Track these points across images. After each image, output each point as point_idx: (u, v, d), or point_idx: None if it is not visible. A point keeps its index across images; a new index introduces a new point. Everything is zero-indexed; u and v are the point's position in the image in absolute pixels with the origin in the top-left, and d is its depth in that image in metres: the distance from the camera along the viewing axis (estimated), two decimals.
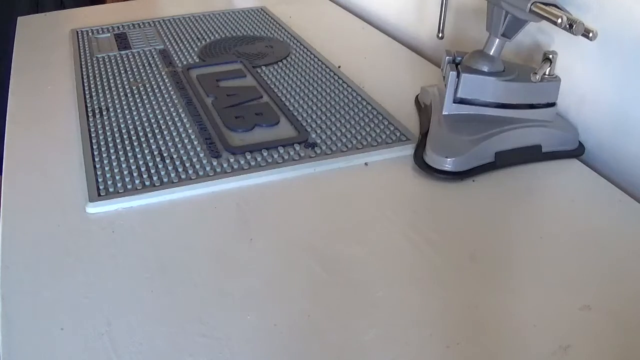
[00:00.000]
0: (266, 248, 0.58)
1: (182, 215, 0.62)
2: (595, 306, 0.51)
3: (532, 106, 0.72)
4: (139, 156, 0.70)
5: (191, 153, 0.71)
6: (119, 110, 0.81)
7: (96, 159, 0.70)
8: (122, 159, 0.70)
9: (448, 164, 0.67)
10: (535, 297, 0.52)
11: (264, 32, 1.10)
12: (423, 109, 0.81)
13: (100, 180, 0.66)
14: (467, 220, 0.62)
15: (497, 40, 0.71)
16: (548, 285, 0.54)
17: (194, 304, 0.51)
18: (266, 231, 0.60)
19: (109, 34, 1.09)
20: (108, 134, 0.75)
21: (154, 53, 1.00)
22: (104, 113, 0.80)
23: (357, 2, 1.25)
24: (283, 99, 0.84)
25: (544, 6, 0.63)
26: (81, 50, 1.01)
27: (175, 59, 0.98)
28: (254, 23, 1.14)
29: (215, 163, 0.69)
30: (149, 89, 0.87)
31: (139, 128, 0.76)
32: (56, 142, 0.75)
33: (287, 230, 0.60)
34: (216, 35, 1.08)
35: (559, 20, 0.61)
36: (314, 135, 0.75)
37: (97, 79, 0.90)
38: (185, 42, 1.04)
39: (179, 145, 0.73)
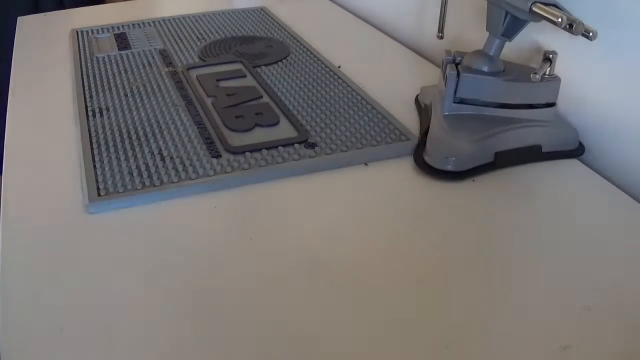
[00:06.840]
0: (266, 248, 0.58)
1: (182, 215, 0.62)
2: (595, 306, 0.51)
3: (532, 106, 0.72)
4: (139, 156, 0.70)
5: (191, 153, 0.71)
6: (119, 110, 0.81)
7: (96, 159, 0.70)
8: (122, 159, 0.70)
9: (448, 164, 0.67)
10: (535, 297, 0.52)
11: (264, 32, 1.10)
12: (423, 109, 0.81)
13: (100, 180, 0.66)
14: (467, 220, 0.62)
15: (497, 40, 0.71)
16: (548, 285, 0.54)
17: (193, 304, 0.51)
18: (266, 231, 0.60)
19: (109, 34, 1.09)
20: (108, 134, 0.75)
21: (154, 53, 1.00)
22: (104, 113, 0.80)
23: (357, 2, 1.25)
24: (283, 98, 0.84)
25: (544, 6, 0.63)
26: (81, 50, 1.01)
27: (175, 59, 0.98)
28: (254, 23, 1.14)
29: (215, 163, 0.69)
30: (149, 89, 0.87)
31: (139, 128, 0.76)
32: (56, 142, 0.75)
33: (287, 231, 0.60)
34: (216, 35, 1.08)
35: (559, 20, 0.61)
36: (314, 135, 0.75)
37: (97, 79, 0.90)
38: (185, 42, 1.04)
39: (179, 145, 0.73)
